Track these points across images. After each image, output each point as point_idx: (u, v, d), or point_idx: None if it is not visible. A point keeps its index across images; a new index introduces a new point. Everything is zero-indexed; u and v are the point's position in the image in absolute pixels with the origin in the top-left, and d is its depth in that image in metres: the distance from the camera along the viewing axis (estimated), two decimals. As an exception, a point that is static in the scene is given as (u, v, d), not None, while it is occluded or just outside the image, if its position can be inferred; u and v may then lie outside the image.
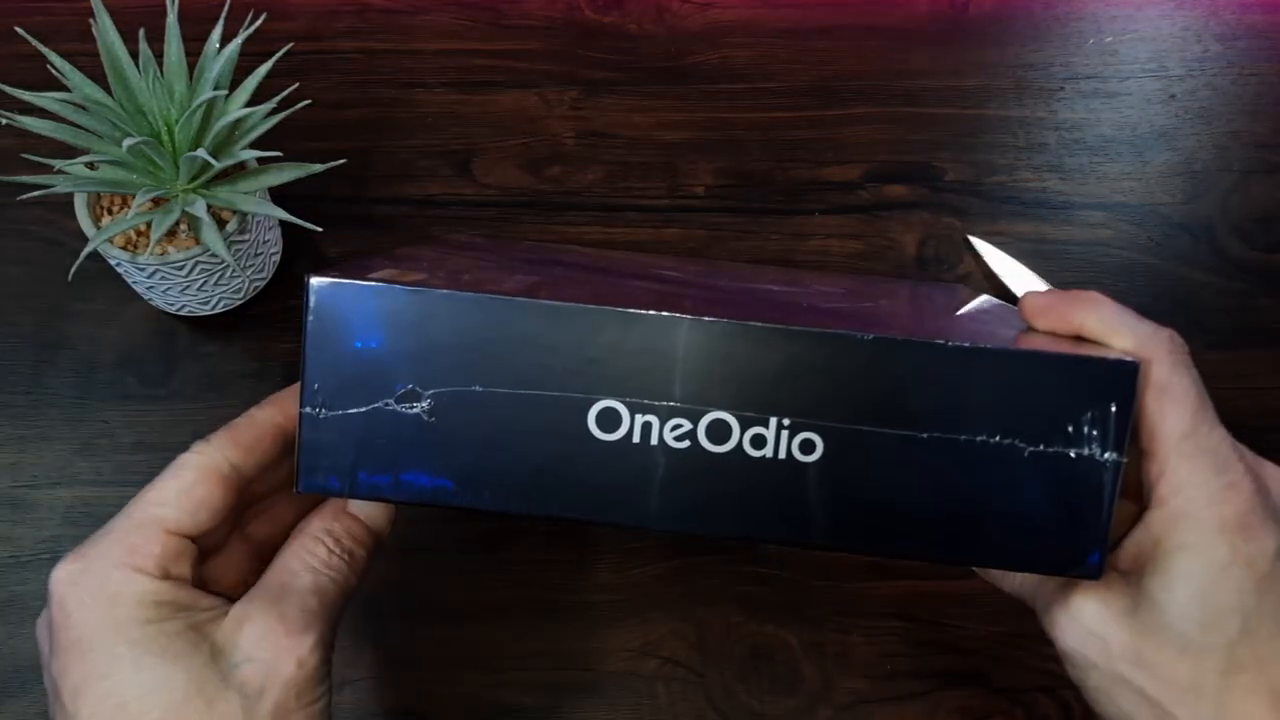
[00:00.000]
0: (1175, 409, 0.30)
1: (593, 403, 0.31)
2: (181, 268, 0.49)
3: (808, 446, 0.31)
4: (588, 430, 0.31)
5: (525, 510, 0.31)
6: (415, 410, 0.31)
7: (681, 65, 0.63)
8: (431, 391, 0.31)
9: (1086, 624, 0.32)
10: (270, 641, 0.31)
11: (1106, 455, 0.30)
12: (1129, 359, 0.30)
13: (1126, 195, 0.60)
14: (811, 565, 0.51)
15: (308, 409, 0.31)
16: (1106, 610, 0.31)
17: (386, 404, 0.31)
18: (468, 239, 0.51)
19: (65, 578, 0.30)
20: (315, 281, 0.31)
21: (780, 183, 0.60)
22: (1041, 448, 0.30)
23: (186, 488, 0.32)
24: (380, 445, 0.31)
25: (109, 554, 0.30)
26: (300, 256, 0.56)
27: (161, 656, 0.29)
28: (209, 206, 0.47)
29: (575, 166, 0.60)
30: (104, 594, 0.30)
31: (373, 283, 0.31)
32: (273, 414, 0.34)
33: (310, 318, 0.31)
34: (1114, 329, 0.32)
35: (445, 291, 0.30)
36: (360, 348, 0.31)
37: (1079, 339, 0.33)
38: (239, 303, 0.54)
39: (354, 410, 0.31)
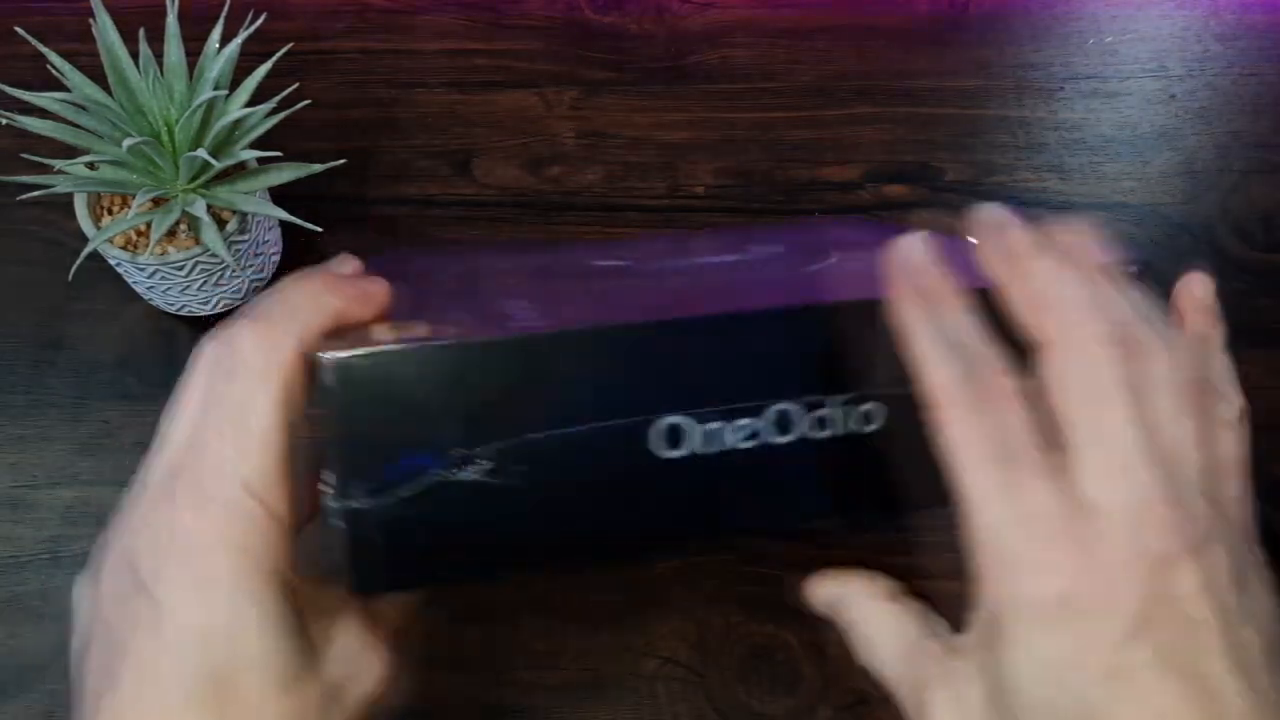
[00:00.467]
0: None
1: (653, 422, 0.29)
2: (181, 268, 0.49)
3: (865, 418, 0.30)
4: (650, 451, 0.29)
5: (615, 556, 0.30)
6: (470, 474, 0.28)
7: (681, 65, 0.63)
8: (481, 449, 0.28)
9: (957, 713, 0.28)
10: (361, 648, 0.30)
11: None
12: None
13: (1126, 195, 0.60)
14: (812, 565, 0.51)
15: (351, 503, 0.27)
16: (964, 709, 0.27)
17: (439, 473, 0.28)
18: (418, 260, 0.49)
19: (197, 517, 0.27)
20: (330, 357, 0.27)
21: (780, 183, 0.60)
22: None
23: (278, 402, 0.28)
24: (439, 520, 0.28)
25: (242, 499, 0.27)
26: (300, 257, 0.56)
27: (280, 630, 0.27)
28: (209, 206, 0.47)
29: (575, 166, 0.60)
30: (239, 541, 0.27)
31: (406, 346, 0.27)
32: (332, 300, 0.30)
33: (338, 400, 0.27)
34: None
35: (484, 338, 0.28)
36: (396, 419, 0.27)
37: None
38: (239, 303, 0.54)
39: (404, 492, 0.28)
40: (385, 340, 0.28)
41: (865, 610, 0.33)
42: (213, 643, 0.27)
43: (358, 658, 0.30)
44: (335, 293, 0.30)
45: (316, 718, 0.28)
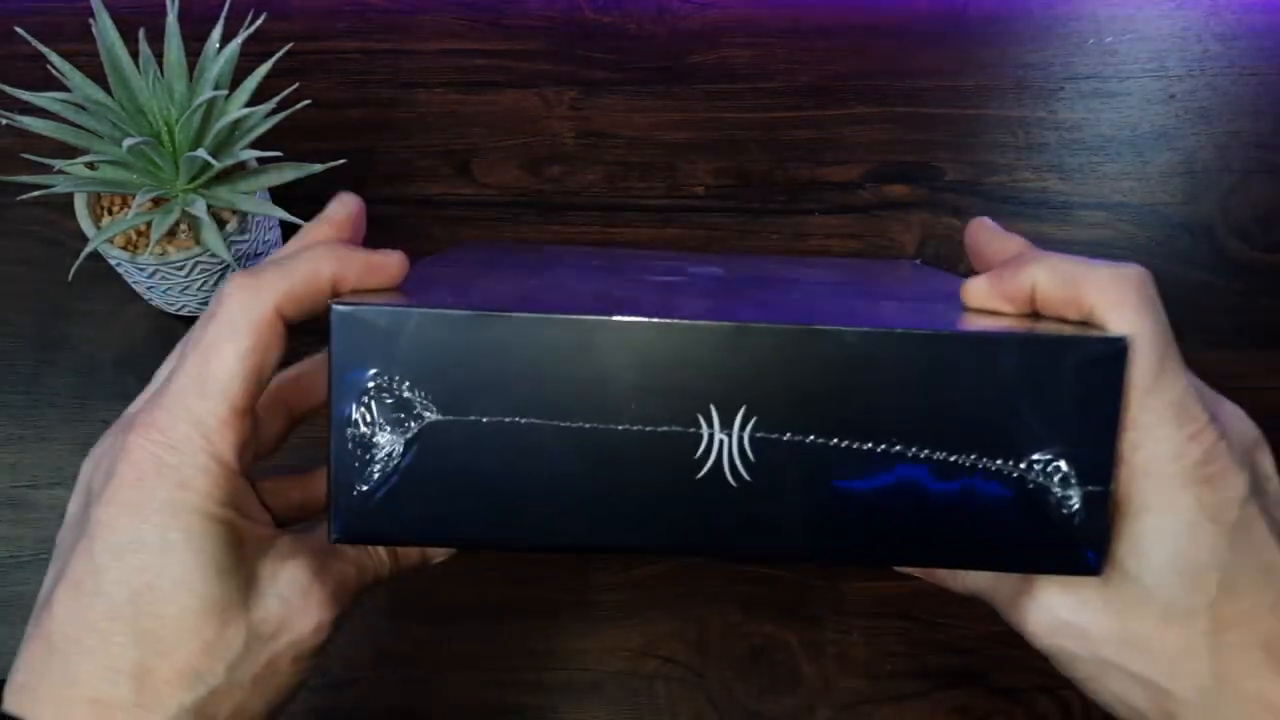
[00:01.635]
0: (1138, 362, 0.28)
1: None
2: (181, 268, 0.49)
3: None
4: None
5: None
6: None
7: (681, 65, 0.63)
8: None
9: (1058, 614, 0.29)
10: (302, 596, 0.30)
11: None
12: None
13: (1126, 195, 0.60)
14: (811, 565, 0.51)
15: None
16: (1076, 594, 0.29)
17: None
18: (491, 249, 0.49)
19: (144, 443, 0.28)
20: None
21: (780, 183, 0.60)
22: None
23: (244, 351, 0.29)
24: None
25: (189, 435, 0.28)
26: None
27: (206, 560, 0.28)
28: (209, 206, 0.47)
29: (575, 166, 0.60)
30: (178, 476, 0.28)
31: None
32: (329, 264, 0.30)
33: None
34: (1071, 284, 0.29)
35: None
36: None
37: (1036, 315, 0.30)
38: (239, 303, 0.54)
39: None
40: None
41: None
42: (137, 563, 0.28)
43: (295, 603, 0.30)
44: (335, 260, 0.30)
45: (240, 651, 0.29)
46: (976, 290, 0.31)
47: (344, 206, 0.33)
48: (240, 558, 0.29)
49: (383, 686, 0.48)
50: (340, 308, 0.28)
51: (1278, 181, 0.60)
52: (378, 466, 0.28)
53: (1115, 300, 0.28)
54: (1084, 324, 0.29)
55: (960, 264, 0.58)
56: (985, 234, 0.35)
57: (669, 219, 0.59)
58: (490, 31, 0.63)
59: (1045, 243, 0.60)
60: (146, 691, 0.28)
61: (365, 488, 0.28)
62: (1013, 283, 0.30)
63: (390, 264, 0.31)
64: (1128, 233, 0.59)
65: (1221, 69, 0.63)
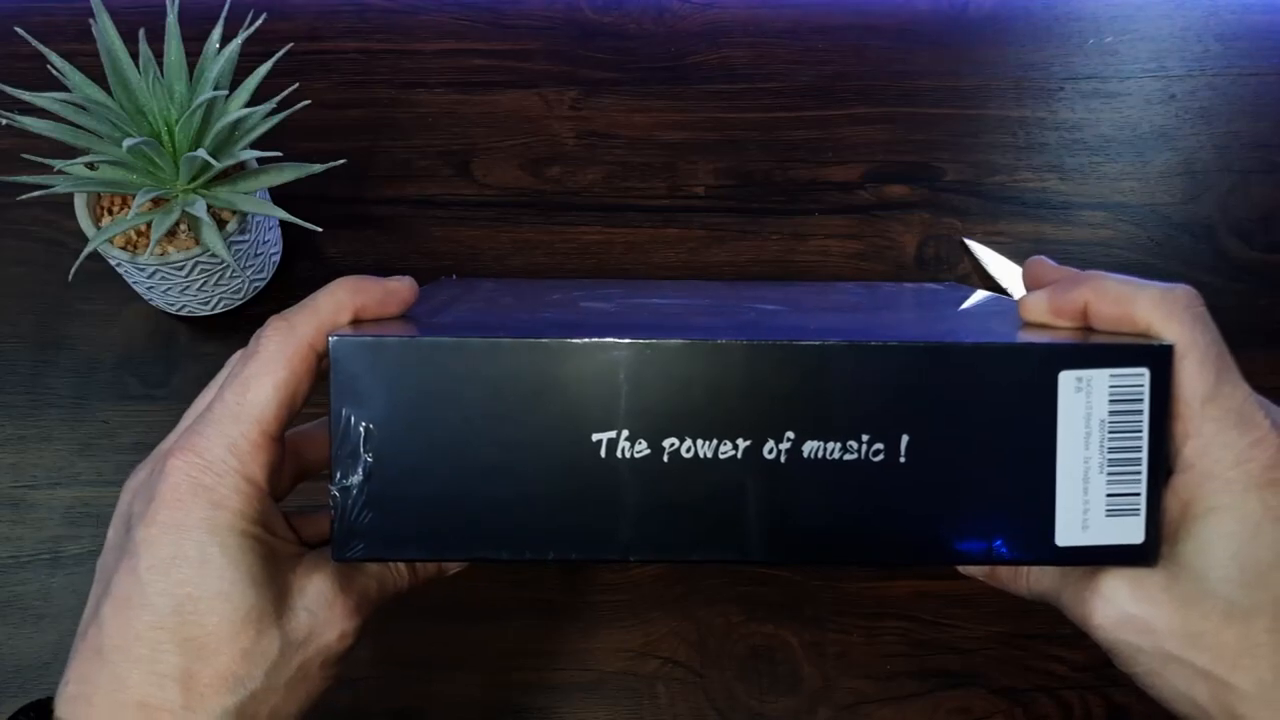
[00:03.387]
0: (1197, 371, 0.30)
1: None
2: (181, 268, 0.49)
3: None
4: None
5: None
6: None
7: (681, 65, 0.63)
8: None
9: (1123, 608, 0.31)
10: (329, 605, 0.32)
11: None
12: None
13: (1126, 195, 0.60)
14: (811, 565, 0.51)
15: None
16: (1142, 589, 0.30)
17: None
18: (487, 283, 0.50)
19: (182, 466, 0.31)
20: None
21: (780, 183, 0.60)
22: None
23: (280, 383, 0.31)
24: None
25: (224, 458, 0.31)
26: (300, 257, 0.56)
27: (243, 573, 0.30)
28: (209, 207, 0.47)
29: (575, 166, 0.60)
30: (213, 496, 0.31)
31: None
32: (350, 297, 0.33)
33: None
34: (1124, 301, 0.31)
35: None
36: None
37: (1088, 329, 0.32)
38: (239, 303, 0.54)
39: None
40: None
41: None
42: (179, 576, 0.30)
43: (322, 613, 0.32)
44: (355, 292, 0.33)
45: (275, 657, 0.31)
46: (1034, 305, 0.33)
47: (398, 282, 0.35)
48: (273, 571, 0.31)
49: (383, 686, 0.48)
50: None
51: (1278, 181, 0.60)
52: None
53: (1166, 315, 0.30)
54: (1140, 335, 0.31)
55: (960, 264, 0.58)
56: (1043, 268, 0.36)
57: (669, 219, 0.59)
58: (490, 31, 0.63)
59: (1045, 243, 0.60)
60: (192, 695, 0.30)
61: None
62: (1065, 298, 0.32)
63: (403, 290, 0.33)
64: (1128, 233, 0.59)
65: (1221, 69, 0.63)
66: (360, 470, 0.30)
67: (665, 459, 0.30)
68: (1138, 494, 0.30)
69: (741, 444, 0.30)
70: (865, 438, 0.30)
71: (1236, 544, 0.29)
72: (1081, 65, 0.63)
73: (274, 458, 0.32)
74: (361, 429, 0.30)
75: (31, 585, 0.49)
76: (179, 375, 0.53)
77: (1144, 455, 0.30)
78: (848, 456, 0.30)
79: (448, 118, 0.61)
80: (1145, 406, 0.30)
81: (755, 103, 0.62)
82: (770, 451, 0.30)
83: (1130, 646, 0.31)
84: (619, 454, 0.30)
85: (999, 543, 0.31)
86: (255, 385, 0.31)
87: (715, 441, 0.30)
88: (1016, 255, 0.57)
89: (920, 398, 0.30)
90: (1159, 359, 0.30)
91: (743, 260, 0.58)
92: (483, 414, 0.30)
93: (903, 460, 0.30)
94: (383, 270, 0.34)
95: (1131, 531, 0.30)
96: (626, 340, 0.30)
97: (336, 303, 0.32)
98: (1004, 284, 0.57)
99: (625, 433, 0.30)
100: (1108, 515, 0.30)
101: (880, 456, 0.30)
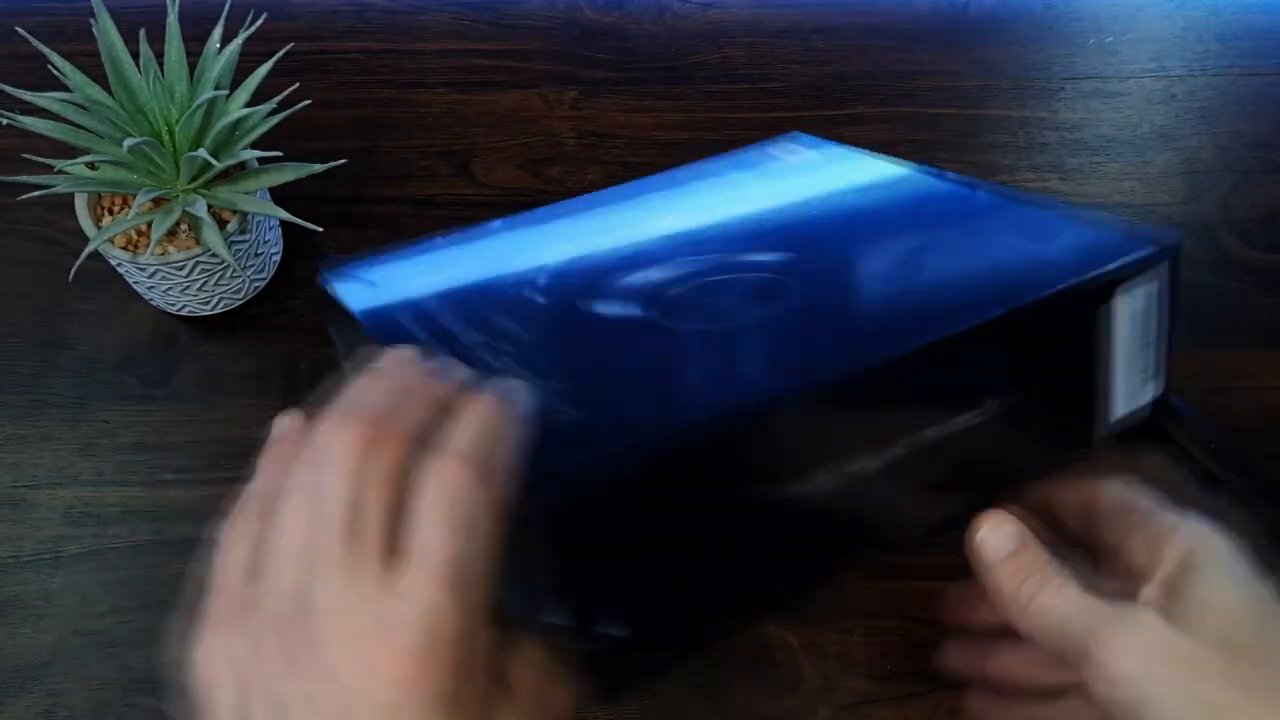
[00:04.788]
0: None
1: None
2: (182, 268, 0.49)
3: None
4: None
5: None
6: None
7: (681, 65, 0.63)
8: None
9: (1122, 667, 0.32)
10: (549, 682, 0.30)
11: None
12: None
13: (1127, 195, 0.60)
14: (812, 565, 0.51)
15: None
16: (1140, 648, 0.32)
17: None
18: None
19: None
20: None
21: (780, 183, 0.60)
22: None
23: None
24: None
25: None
26: (300, 256, 0.56)
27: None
28: (209, 206, 0.47)
29: (575, 166, 0.60)
30: None
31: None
32: (506, 429, 0.30)
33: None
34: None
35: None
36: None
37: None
38: (239, 303, 0.54)
39: None
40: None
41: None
42: None
43: (545, 691, 0.30)
44: (514, 422, 0.30)
45: None
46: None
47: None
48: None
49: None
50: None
51: (1278, 181, 0.60)
52: None
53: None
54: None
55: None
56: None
57: (669, 219, 0.59)
58: (490, 31, 0.63)
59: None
60: None
61: None
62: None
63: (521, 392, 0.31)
64: (1128, 233, 0.59)
65: (1222, 69, 0.63)
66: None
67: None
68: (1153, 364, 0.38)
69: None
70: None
71: (1231, 600, 0.32)
72: (1082, 65, 0.63)
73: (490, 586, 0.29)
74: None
75: (31, 585, 0.49)
76: (179, 375, 0.53)
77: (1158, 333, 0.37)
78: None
79: (448, 118, 0.61)
80: (1166, 289, 0.38)
81: (755, 103, 0.62)
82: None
83: (1129, 701, 0.32)
84: None
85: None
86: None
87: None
88: (1017, 255, 0.57)
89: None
90: (1171, 251, 0.37)
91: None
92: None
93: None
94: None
95: (1150, 392, 0.37)
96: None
97: (509, 438, 0.29)
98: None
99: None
100: (1141, 384, 0.37)
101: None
